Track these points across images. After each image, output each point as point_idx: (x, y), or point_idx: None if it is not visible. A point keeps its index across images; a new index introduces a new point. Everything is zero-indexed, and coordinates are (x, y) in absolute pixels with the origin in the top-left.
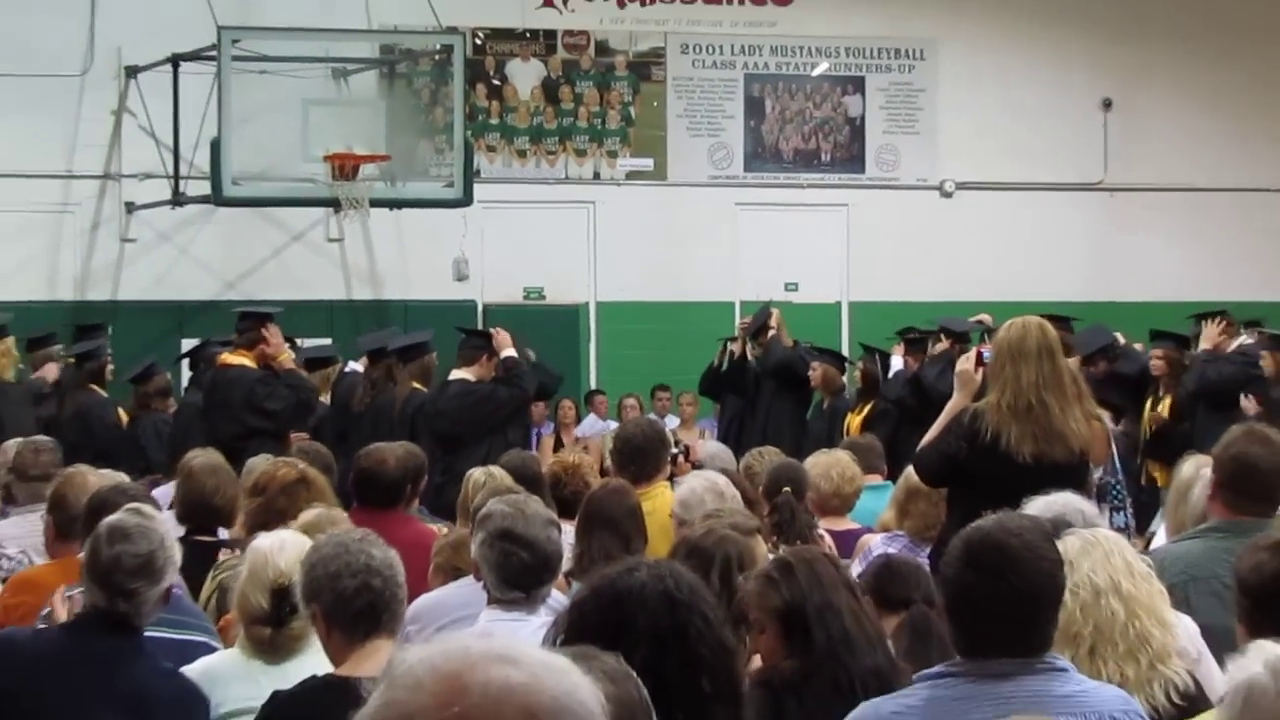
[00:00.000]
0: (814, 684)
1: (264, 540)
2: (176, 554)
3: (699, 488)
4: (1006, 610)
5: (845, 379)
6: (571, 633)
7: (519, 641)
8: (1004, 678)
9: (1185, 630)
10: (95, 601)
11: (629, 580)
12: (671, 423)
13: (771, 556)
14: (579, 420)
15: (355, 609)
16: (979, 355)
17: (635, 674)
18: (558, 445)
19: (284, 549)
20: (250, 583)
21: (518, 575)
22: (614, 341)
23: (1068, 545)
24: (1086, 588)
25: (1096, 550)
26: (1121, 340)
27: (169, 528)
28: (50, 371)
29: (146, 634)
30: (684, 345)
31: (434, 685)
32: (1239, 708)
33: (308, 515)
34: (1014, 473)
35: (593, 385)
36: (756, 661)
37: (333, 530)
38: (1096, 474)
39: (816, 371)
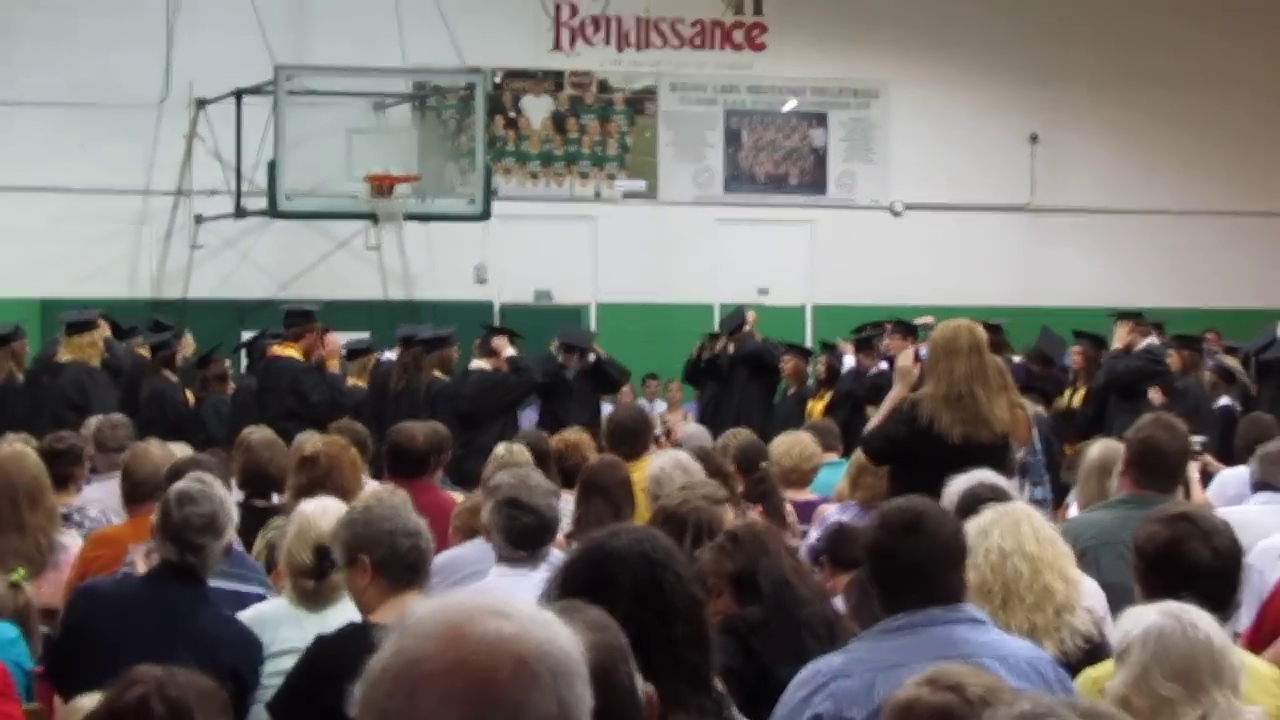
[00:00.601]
0: (771, 627)
1: (308, 505)
2: (234, 514)
3: (667, 465)
4: (915, 561)
5: (810, 370)
6: (564, 587)
7: (512, 598)
8: (931, 626)
9: (1091, 591)
10: (167, 556)
11: (613, 543)
12: (660, 407)
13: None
14: None
15: (407, 563)
16: (916, 352)
17: (617, 623)
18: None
19: (325, 513)
20: (296, 541)
21: (522, 537)
22: (612, 337)
23: (983, 517)
24: (995, 551)
25: (1006, 519)
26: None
27: (226, 492)
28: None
29: (212, 584)
30: (672, 340)
31: (438, 634)
32: (1151, 650)
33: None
34: (946, 452)
35: None
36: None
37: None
38: (1020, 453)
39: (789, 363)
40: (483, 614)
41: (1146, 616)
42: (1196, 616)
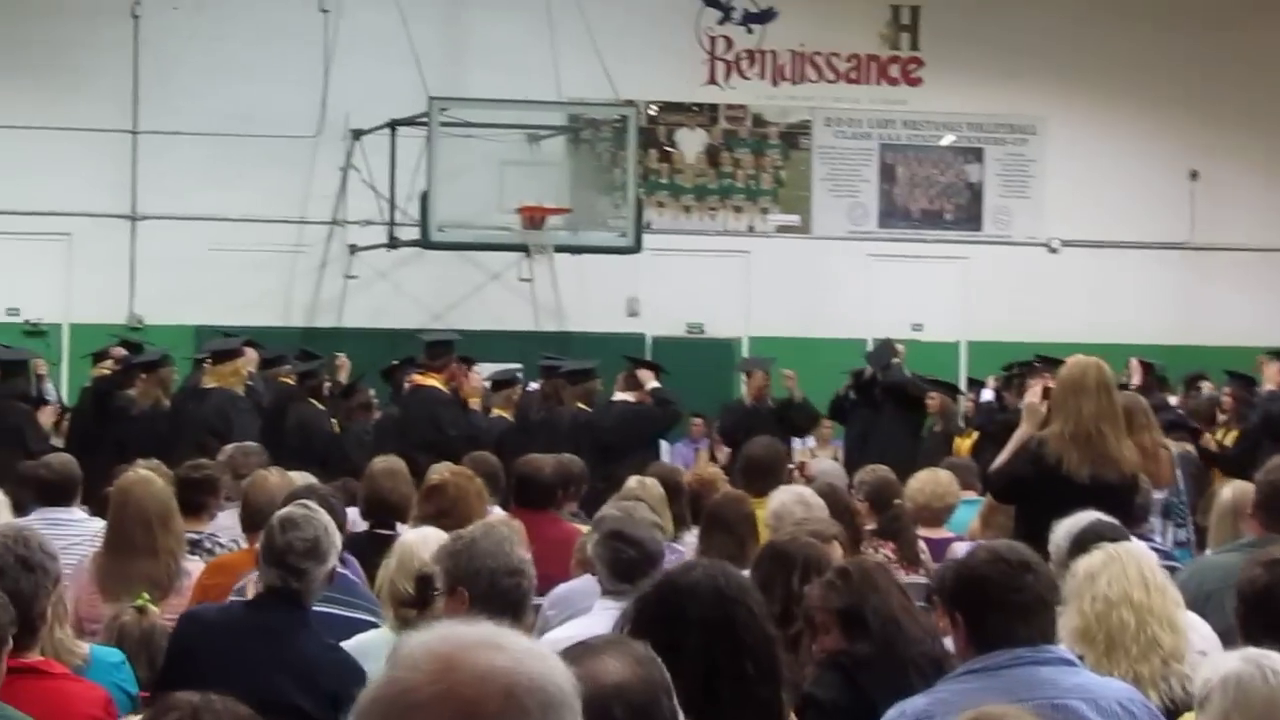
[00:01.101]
0: (877, 665)
1: (410, 535)
2: (338, 539)
3: (789, 500)
4: (1005, 603)
5: (959, 408)
6: (637, 622)
7: (508, 631)
8: (1017, 668)
9: (1206, 636)
10: (271, 582)
11: (686, 578)
12: (810, 442)
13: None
14: None
15: (507, 601)
16: (1044, 390)
17: (684, 658)
18: (712, 458)
19: (426, 542)
20: (398, 571)
21: (626, 569)
22: None
23: (1092, 559)
24: (1101, 599)
25: (1114, 565)
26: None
27: (331, 519)
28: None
29: (321, 610)
30: (823, 375)
31: (428, 665)
32: (1232, 697)
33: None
34: (1073, 491)
35: None
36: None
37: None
38: (1163, 494)
39: (934, 401)
40: (475, 646)
41: (1227, 663)
42: (1278, 662)
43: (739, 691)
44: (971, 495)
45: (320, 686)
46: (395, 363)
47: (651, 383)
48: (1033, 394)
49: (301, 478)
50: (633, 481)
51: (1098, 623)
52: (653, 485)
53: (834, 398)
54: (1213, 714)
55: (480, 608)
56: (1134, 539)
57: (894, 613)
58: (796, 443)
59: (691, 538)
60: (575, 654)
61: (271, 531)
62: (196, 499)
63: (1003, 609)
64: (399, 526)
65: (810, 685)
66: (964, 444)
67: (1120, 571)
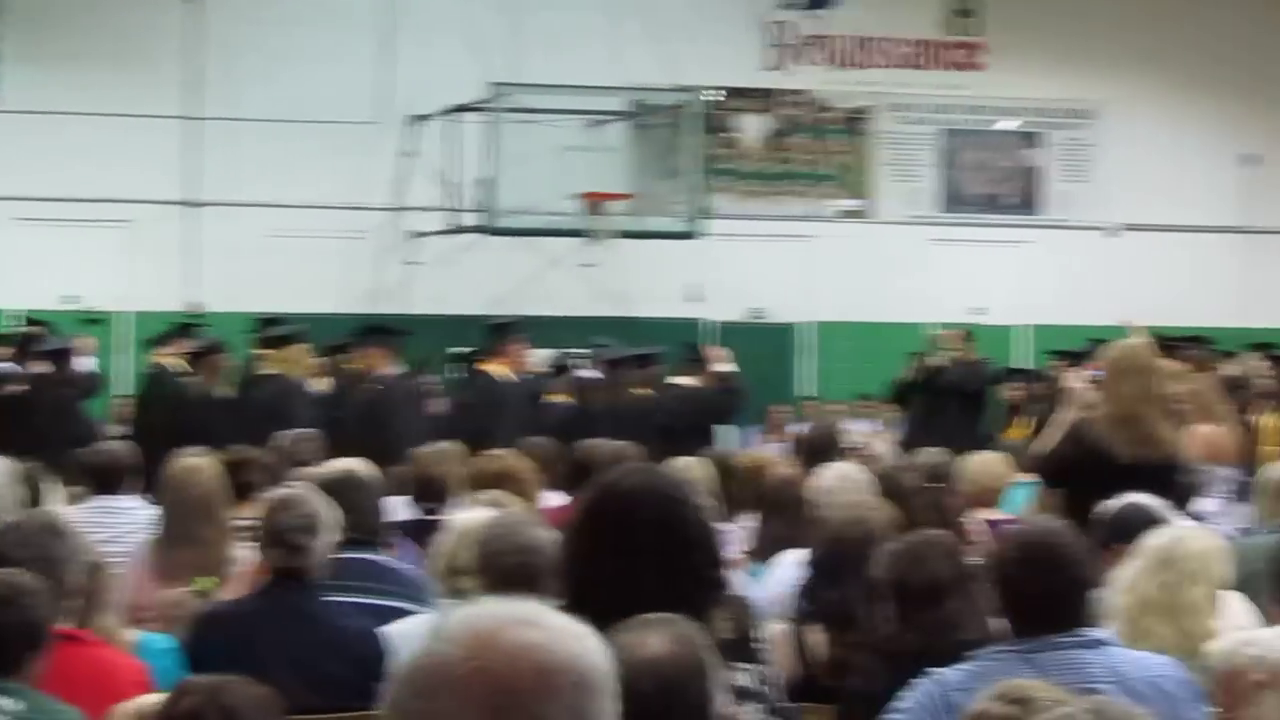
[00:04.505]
0: (930, 655)
1: (461, 514)
2: (332, 518)
3: (833, 477)
4: (1037, 589)
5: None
6: (584, 529)
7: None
8: (1046, 652)
9: (1239, 616)
10: (275, 562)
11: (629, 481)
12: (875, 426)
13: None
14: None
15: (517, 580)
16: (1086, 373)
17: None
18: None
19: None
20: (460, 542)
21: None
22: (826, 356)
23: (1148, 555)
24: (1136, 605)
25: (1170, 570)
26: None
27: (320, 496)
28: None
29: (350, 600)
30: (885, 359)
31: (464, 640)
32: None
33: (484, 496)
34: (1116, 473)
35: (805, 393)
36: None
37: (503, 509)
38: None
39: (1020, 391)
40: (513, 623)
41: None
42: None
43: (691, 578)
44: (1029, 477)
45: (344, 653)
46: (463, 350)
47: (722, 366)
48: (1074, 378)
49: (360, 465)
50: (679, 463)
51: (1129, 627)
52: (698, 466)
53: (895, 382)
54: None
55: (501, 592)
56: (1186, 519)
57: (953, 595)
58: (864, 424)
59: (745, 520)
60: (623, 628)
61: (267, 514)
62: (241, 481)
63: (1040, 598)
64: (447, 507)
65: (852, 678)
66: (1012, 431)
67: (1158, 572)
